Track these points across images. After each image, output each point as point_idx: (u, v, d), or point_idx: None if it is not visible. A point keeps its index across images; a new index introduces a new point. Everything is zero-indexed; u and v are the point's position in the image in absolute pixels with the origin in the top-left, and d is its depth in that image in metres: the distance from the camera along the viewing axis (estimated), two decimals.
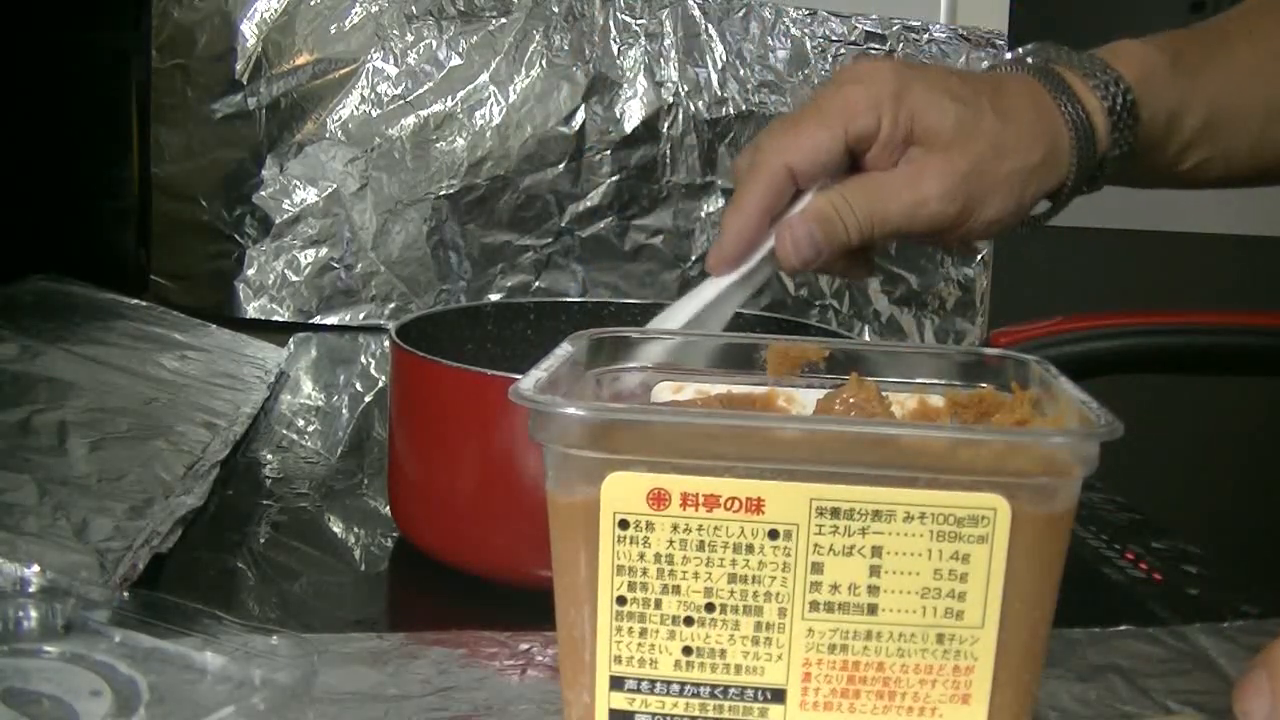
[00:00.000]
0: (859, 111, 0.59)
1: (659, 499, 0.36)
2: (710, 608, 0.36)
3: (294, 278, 1.10)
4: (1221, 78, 0.65)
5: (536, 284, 1.16)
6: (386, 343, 0.64)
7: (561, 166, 1.14)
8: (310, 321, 1.11)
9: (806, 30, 1.20)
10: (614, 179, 1.16)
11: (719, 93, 1.17)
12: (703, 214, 1.18)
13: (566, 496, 0.37)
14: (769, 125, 0.61)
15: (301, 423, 0.84)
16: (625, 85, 1.15)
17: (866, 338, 1.21)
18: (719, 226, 0.61)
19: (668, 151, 1.16)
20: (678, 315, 0.61)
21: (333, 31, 1.10)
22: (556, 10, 1.14)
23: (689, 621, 0.36)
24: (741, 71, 1.18)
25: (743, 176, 0.60)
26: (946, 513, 0.35)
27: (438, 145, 1.12)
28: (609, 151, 1.15)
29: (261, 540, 0.64)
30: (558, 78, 1.14)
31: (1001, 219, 0.61)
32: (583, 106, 1.14)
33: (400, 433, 0.62)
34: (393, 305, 1.12)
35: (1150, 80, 0.63)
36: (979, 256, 1.26)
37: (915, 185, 0.59)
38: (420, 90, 1.12)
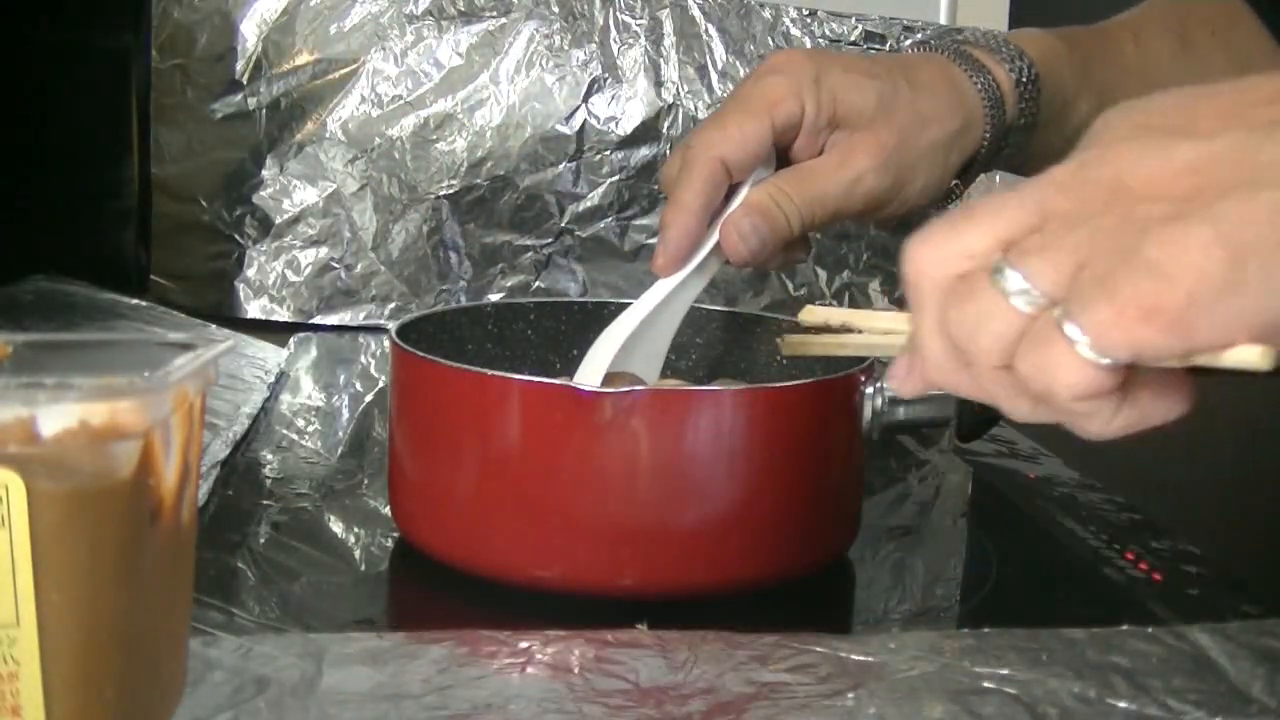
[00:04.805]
0: (781, 99, 0.60)
1: None
2: None
3: (294, 278, 1.10)
4: (1110, 73, 0.69)
5: (536, 284, 1.16)
6: (386, 343, 0.64)
7: (561, 166, 1.14)
8: (310, 321, 1.10)
9: (806, 30, 1.20)
10: (614, 179, 1.16)
11: (719, 93, 1.17)
12: None
13: None
14: (696, 128, 0.63)
15: (301, 423, 0.84)
16: (625, 85, 1.15)
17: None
18: (660, 228, 0.61)
19: (667, 151, 1.16)
20: (631, 318, 0.62)
21: (333, 31, 1.10)
22: (556, 10, 1.14)
23: None
24: (741, 71, 1.18)
25: (676, 178, 0.61)
26: None
27: (438, 145, 1.12)
28: (609, 151, 1.15)
29: (261, 540, 0.64)
30: (558, 78, 1.14)
31: (929, 188, 0.63)
32: (583, 106, 1.14)
33: (400, 433, 0.62)
34: (393, 305, 1.12)
35: (1050, 62, 0.66)
36: None
37: (847, 164, 0.61)
38: (420, 90, 1.12)
